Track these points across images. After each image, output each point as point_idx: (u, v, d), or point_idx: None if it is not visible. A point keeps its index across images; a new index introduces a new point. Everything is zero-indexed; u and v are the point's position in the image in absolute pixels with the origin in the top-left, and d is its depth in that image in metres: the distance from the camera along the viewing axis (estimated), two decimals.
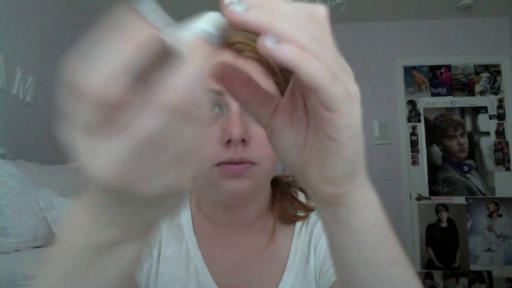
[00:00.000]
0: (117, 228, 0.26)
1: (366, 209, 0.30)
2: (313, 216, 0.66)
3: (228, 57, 0.52)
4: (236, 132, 0.48)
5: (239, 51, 0.52)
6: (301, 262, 0.62)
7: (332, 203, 0.29)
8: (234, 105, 0.50)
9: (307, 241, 0.64)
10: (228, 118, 0.50)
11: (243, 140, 0.50)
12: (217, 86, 0.46)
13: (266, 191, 0.65)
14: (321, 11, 0.25)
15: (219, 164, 0.51)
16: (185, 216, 0.65)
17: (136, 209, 0.24)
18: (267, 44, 0.23)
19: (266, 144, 0.40)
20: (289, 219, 0.64)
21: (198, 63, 0.21)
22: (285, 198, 0.67)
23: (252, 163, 0.51)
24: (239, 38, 0.53)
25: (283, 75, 0.53)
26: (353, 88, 0.26)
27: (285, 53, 0.23)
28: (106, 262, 0.27)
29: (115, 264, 0.27)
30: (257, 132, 0.51)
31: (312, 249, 0.63)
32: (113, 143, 0.20)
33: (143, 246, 0.28)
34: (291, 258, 0.62)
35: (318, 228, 0.64)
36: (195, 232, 0.63)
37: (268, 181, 0.62)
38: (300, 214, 0.65)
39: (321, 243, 0.62)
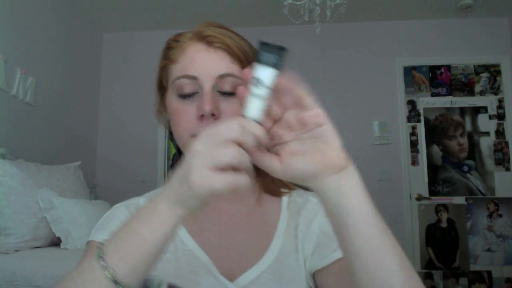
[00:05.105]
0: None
1: (354, 167, 0.46)
2: (298, 199, 0.71)
3: (200, 47, 0.62)
4: (207, 108, 0.57)
5: (210, 43, 0.62)
6: (289, 235, 0.66)
7: (347, 165, 0.44)
8: (206, 87, 0.60)
9: (295, 224, 0.68)
10: (201, 97, 0.60)
11: (213, 115, 0.59)
12: (192, 72, 0.60)
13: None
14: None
15: (195, 136, 0.57)
16: None
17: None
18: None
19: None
20: (275, 192, 0.71)
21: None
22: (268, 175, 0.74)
23: None
24: (210, 32, 0.62)
25: (248, 61, 0.62)
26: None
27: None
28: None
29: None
30: (226, 107, 0.60)
31: (300, 235, 0.66)
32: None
33: None
34: (280, 228, 0.67)
35: (308, 210, 0.68)
36: None
37: None
38: (284, 191, 0.73)
39: (315, 223, 0.66)
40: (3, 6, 2.37)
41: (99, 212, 2.20)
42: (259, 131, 0.42)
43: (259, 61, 0.43)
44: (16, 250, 1.86)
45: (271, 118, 0.45)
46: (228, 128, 0.41)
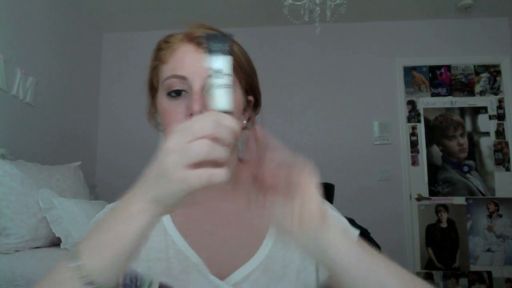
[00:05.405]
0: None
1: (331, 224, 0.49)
2: None
3: (190, 48, 0.63)
4: (196, 107, 0.58)
5: (200, 44, 0.62)
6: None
7: (323, 222, 0.47)
8: (195, 87, 0.60)
9: None
10: (191, 97, 0.61)
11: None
12: (182, 72, 0.61)
13: (235, 159, 0.67)
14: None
15: None
16: None
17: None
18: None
19: None
20: None
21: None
22: None
23: None
24: (200, 33, 0.63)
25: (236, 62, 0.63)
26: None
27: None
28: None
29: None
30: None
31: None
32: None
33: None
34: (272, 228, 0.66)
35: None
36: None
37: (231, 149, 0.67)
38: None
39: None
40: (3, 6, 2.38)
41: (99, 212, 2.20)
42: (232, 123, 0.42)
43: (212, 53, 0.45)
44: (16, 250, 1.86)
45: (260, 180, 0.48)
46: (201, 124, 0.41)
